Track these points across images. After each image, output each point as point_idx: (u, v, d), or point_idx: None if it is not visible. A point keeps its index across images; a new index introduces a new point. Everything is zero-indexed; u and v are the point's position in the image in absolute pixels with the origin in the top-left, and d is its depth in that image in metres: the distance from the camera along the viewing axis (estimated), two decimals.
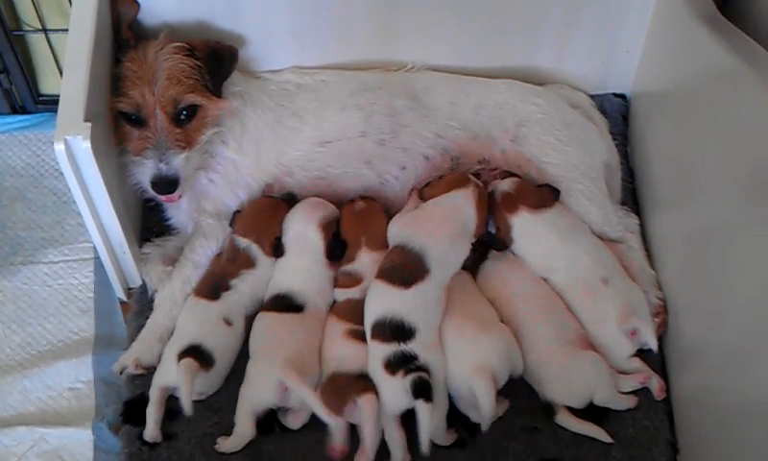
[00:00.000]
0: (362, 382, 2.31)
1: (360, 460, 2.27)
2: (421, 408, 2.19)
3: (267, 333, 2.45)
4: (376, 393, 2.28)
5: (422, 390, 2.21)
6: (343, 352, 2.40)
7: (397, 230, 2.53)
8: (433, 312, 2.39)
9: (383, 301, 2.38)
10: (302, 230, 2.57)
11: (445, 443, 2.32)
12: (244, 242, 2.58)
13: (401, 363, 2.26)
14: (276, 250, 2.58)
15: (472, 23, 2.85)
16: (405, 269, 2.41)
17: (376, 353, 2.32)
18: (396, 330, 2.31)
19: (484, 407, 2.23)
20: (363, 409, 2.25)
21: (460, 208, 2.54)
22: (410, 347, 2.28)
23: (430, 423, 2.20)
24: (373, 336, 2.35)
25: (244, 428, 2.31)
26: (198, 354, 2.35)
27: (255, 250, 2.57)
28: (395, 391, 2.25)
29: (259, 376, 2.35)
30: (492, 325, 2.41)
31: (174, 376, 2.33)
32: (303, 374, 2.30)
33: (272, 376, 2.30)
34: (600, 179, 2.75)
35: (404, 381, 2.23)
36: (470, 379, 2.27)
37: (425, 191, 2.63)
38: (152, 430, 2.34)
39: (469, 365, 2.29)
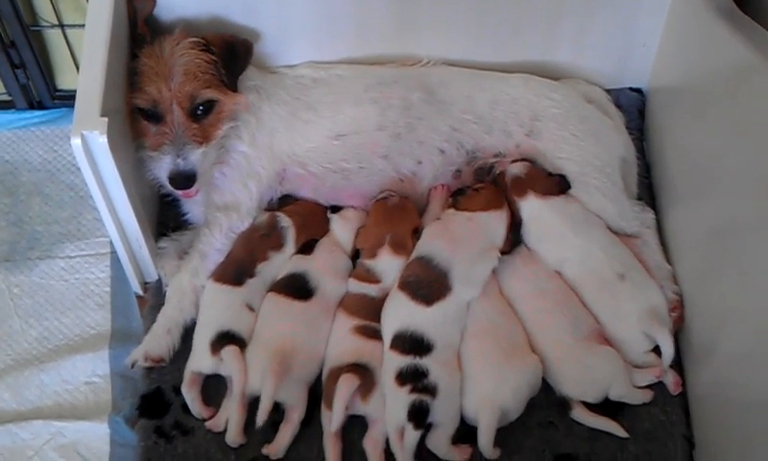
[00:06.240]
0: (350, 367, 2.32)
1: (327, 441, 2.29)
2: (409, 433, 2.21)
3: (272, 319, 2.46)
4: (361, 378, 2.29)
5: (417, 414, 2.21)
6: (345, 347, 2.41)
7: (426, 240, 2.54)
8: (452, 328, 2.39)
9: (405, 314, 2.39)
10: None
11: (452, 459, 2.29)
12: (287, 221, 2.62)
13: (411, 377, 2.26)
14: (306, 248, 2.61)
15: (488, 18, 2.85)
16: (429, 286, 2.41)
17: (392, 364, 2.32)
18: (414, 344, 2.32)
19: (482, 442, 2.25)
20: (338, 386, 2.25)
21: (493, 228, 2.57)
22: (424, 361, 2.29)
23: (412, 447, 2.21)
24: (392, 347, 2.35)
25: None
26: (232, 339, 2.38)
27: (291, 234, 2.61)
28: (397, 404, 2.25)
29: (250, 362, 2.36)
30: (521, 355, 2.38)
31: (207, 362, 2.37)
32: (292, 369, 2.32)
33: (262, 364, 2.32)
34: (616, 174, 2.74)
35: (407, 398, 2.23)
36: (477, 411, 2.28)
37: (460, 201, 2.62)
38: (196, 408, 2.38)
39: (482, 396, 2.29)
